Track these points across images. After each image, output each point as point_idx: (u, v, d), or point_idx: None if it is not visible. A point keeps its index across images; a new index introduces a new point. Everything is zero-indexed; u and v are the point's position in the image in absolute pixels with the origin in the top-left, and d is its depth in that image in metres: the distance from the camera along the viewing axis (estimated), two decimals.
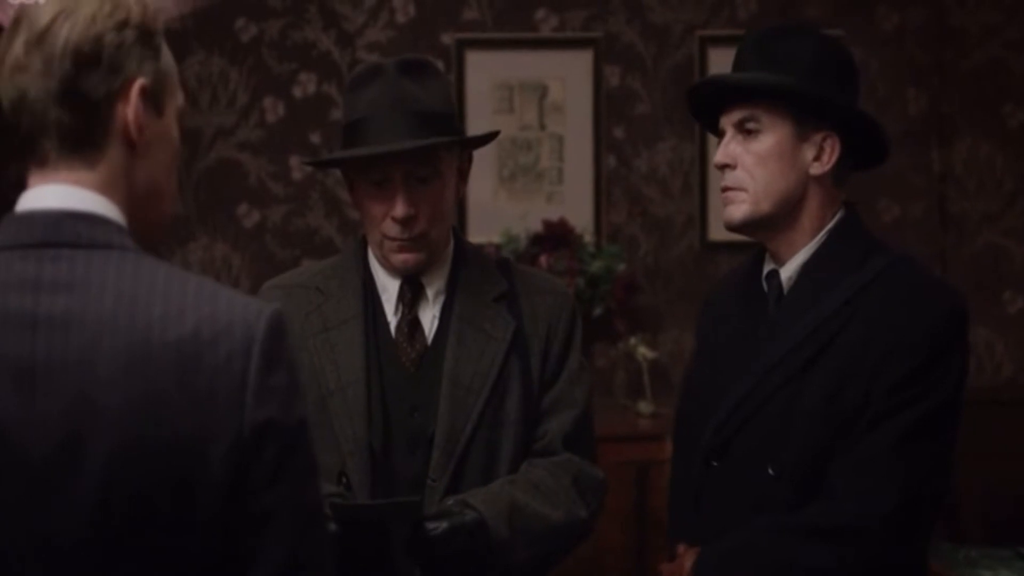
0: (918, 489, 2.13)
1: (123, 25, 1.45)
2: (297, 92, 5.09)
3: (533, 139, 5.09)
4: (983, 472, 4.75)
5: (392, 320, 2.33)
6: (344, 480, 2.23)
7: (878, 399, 2.13)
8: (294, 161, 5.06)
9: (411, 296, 2.33)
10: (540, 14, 5.12)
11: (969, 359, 2.25)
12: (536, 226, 4.96)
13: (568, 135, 5.11)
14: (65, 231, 1.41)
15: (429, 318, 2.33)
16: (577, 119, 5.11)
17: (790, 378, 2.19)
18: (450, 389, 2.27)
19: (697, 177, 5.15)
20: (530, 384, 2.34)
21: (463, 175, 2.38)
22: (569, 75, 5.11)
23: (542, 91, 5.10)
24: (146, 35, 1.47)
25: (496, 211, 5.05)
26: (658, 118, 5.16)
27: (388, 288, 2.34)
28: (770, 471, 2.17)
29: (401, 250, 2.28)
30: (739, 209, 2.27)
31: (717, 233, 5.15)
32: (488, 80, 5.07)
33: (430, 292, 2.34)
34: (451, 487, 2.24)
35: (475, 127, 4.52)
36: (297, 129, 5.07)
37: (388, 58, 2.36)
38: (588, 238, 5.02)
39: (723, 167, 2.26)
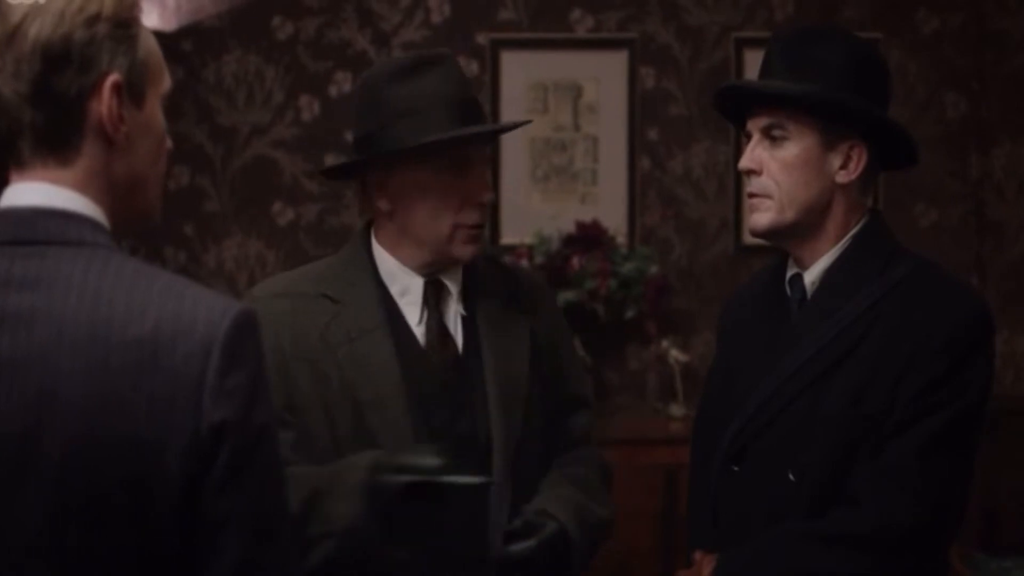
0: (941, 497, 2.10)
1: (94, 20, 1.43)
2: (332, 91, 5.09)
3: (567, 140, 5.08)
4: (1019, 481, 4.71)
5: (416, 323, 2.26)
6: None
7: (901, 406, 2.11)
8: (329, 159, 5.06)
9: (435, 298, 2.28)
10: (575, 14, 5.11)
11: (994, 365, 2.22)
12: (569, 227, 4.94)
13: (602, 136, 5.10)
14: (37, 229, 1.41)
15: (453, 319, 2.29)
16: (611, 120, 5.10)
17: (811, 383, 2.16)
18: (497, 393, 2.24)
19: (732, 180, 5.12)
20: (546, 381, 2.34)
21: None
22: (604, 76, 5.09)
23: (577, 92, 5.09)
24: (120, 27, 1.45)
25: (529, 212, 5.04)
26: (693, 120, 5.14)
27: (411, 290, 2.27)
28: (790, 476, 2.15)
29: (473, 240, 2.23)
30: (764, 216, 2.23)
31: (751, 237, 5.09)
32: (523, 80, 5.07)
33: (453, 291, 2.29)
34: (512, 490, 2.23)
35: None
36: (332, 128, 5.08)
37: (412, 52, 2.33)
38: (621, 240, 5.01)
39: (748, 172, 2.24)
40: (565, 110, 5.04)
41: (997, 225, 5.19)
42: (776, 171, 2.20)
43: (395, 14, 5.09)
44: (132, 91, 1.46)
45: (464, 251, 2.23)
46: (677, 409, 4.87)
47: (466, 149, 2.21)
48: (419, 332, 2.26)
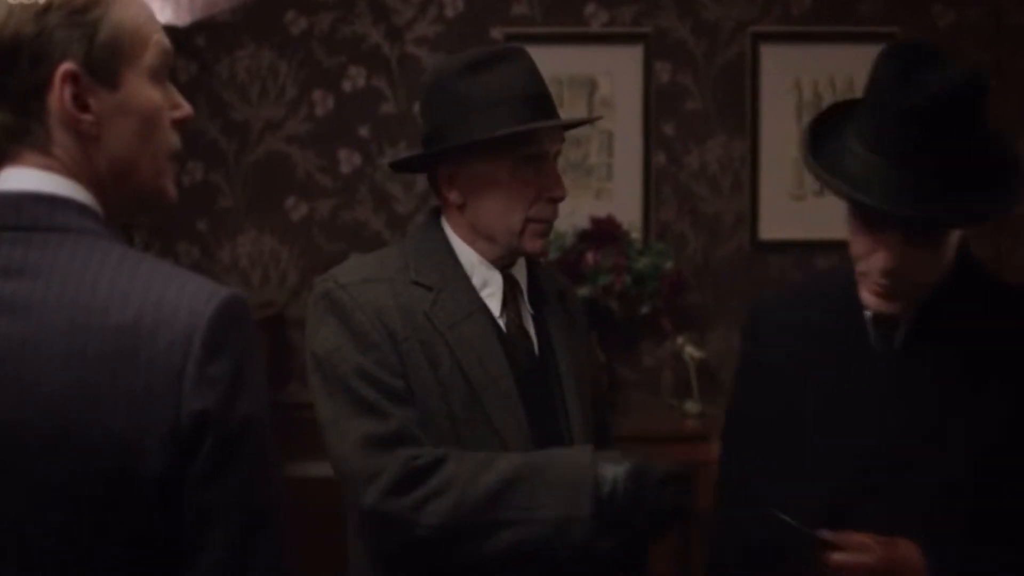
0: None
1: (44, 12, 1.40)
2: (346, 86, 5.08)
3: (582, 135, 5.05)
4: None
5: (498, 316, 2.25)
6: None
7: None
8: (342, 154, 5.05)
9: (512, 292, 2.28)
10: (590, 9, 5.09)
11: None
12: (583, 222, 4.92)
13: (617, 131, 5.07)
14: (24, 215, 1.39)
15: (524, 314, 2.29)
16: (627, 115, 5.07)
17: (931, 438, 1.97)
18: (574, 391, 2.26)
19: (748, 175, 5.09)
20: (588, 379, 2.36)
21: None
22: (619, 71, 5.07)
23: (591, 86, 5.06)
24: (75, 14, 1.41)
25: None
26: (709, 115, 5.11)
27: (491, 282, 2.25)
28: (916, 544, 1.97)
29: (543, 235, 2.23)
30: (891, 305, 1.99)
31: (767, 232, 5.10)
32: None
33: (523, 287, 2.30)
34: None
35: None
36: (346, 122, 5.07)
37: (485, 47, 2.30)
38: (636, 235, 4.98)
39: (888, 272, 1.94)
40: (580, 105, 5.01)
41: (1016, 221, 5.15)
42: (921, 271, 1.96)
43: (409, 8, 5.07)
44: (100, 74, 1.42)
45: (534, 245, 2.22)
46: (692, 406, 4.85)
47: (539, 143, 2.19)
48: (501, 324, 2.25)
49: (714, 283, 5.14)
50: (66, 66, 1.40)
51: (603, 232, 4.90)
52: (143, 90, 1.45)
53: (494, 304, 2.25)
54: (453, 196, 2.23)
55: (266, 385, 1.42)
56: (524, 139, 2.17)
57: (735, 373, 2.28)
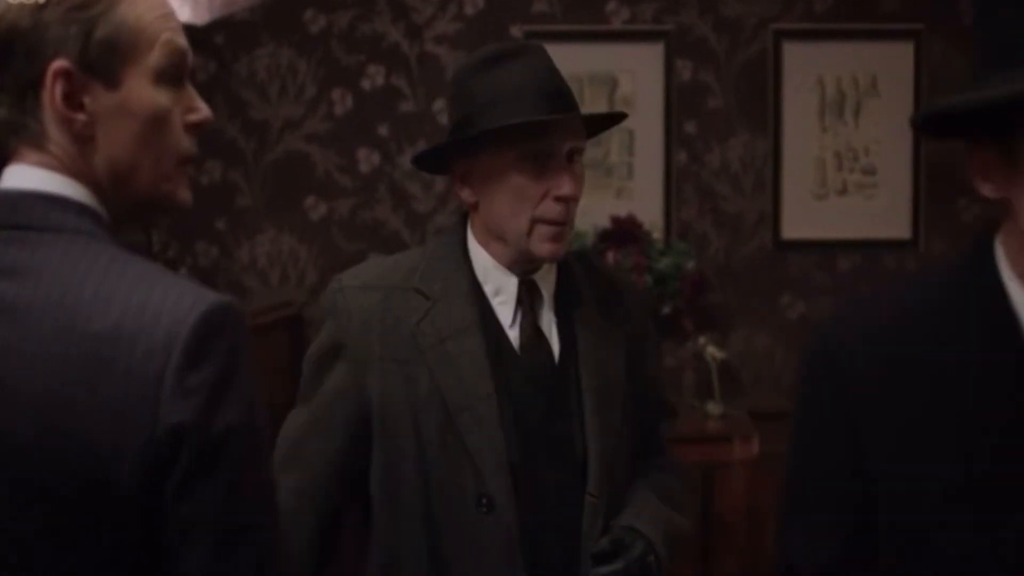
0: None
1: (41, 7, 1.36)
2: (366, 84, 5.06)
3: (602, 133, 5.00)
4: None
5: (509, 325, 2.18)
6: (484, 500, 2.10)
7: None
8: (362, 153, 5.03)
9: (529, 299, 2.19)
10: (611, 6, 5.05)
11: None
12: (604, 222, 4.89)
13: (638, 129, 5.03)
14: (19, 214, 1.36)
15: (547, 322, 2.20)
16: (648, 113, 5.03)
17: None
18: (594, 399, 2.16)
19: (770, 174, 5.05)
20: (635, 389, 2.25)
21: None
22: (640, 68, 5.03)
23: (612, 84, 5.03)
24: (74, 9, 1.37)
25: None
26: (731, 113, 5.07)
27: (505, 289, 2.17)
28: None
29: (554, 238, 2.11)
30: None
31: (790, 231, 5.06)
32: None
33: (546, 293, 2.20)
34: (607, 501, 2.18)
35: None
36: (365, 121, 5.05)
37: (503, 43, 2.26)
38: (657, 234, 4.95)
39: None
40: (600, 103, 4.98)
41: None
42: None
43: (428, 6, 5.05)
44: (97, 72, 1.38)
45: (543, 249, 2.12)
46: (714, 407, 4.81)
47: (547, 138, 2.10)
48: (512, 335, 2.17)
49: (736, 283, 5.10)
50: (58, 63, 1.36)
51: (624, 231, 4.87)
52: (145, 91, 1.40)
53: (506, 313, 2.17)
54: (466, 194, 2.17)
55: (257, 394, 1.36)
56: (529, 134, 2.09)
57: (799, 429, 1.53)
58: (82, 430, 1.27)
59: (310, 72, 5.06)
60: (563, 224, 2.12)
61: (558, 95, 2.13)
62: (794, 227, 5.07)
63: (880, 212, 5.00)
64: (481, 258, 2.19)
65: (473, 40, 4.95)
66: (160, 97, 1.41)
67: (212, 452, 1.29)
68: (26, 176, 1.38)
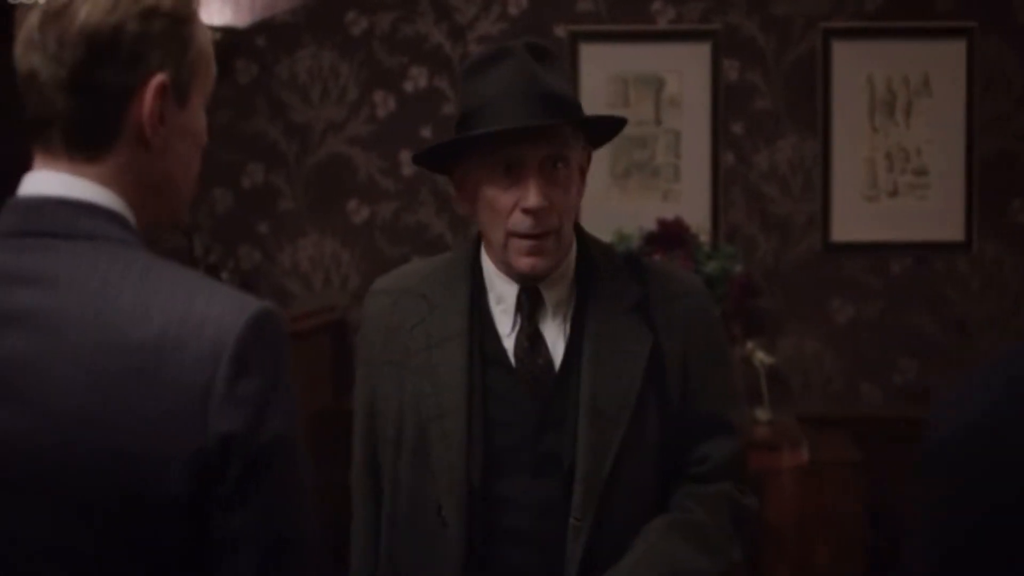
0: None
1: (150, 14, 1.34)
2: (408, 86, 5.03)
3: (648, 135, 4.96)
4: None
5: (507, 335, 2.10)
6: (443, 514, 2.05)
7: None
8: (404, 156, 5.00)
9: (529, 308, 2.10)
10: (656, 5, 5.00)
11: None
12: (650, 225, 4.82)
13: (685, 130, 4.98)
14: (46, 220, 1.32)
15: (554, 332, 2.10)
16: (694, 114, 4.97)
17: None
18: (590, 418, 2.04)
19: (819, 176, 4.99)
20: (668, 405, 2.10)
21: (582, 173, 2.15)
22: (686, 68, 4.97)
23: (658, 85, 4.97)
24: (176, 25, 1.36)
25: (608, 209, 4.91)
26: (779, 114, 5.01)
27: (506, 298, 2.11)
28: None
29: (530, 252, 2.03)
30: None
31: (839, 234, 4.99)
32: (602, 74, 4.96)
33: (550, 303, 2.11)
34: (595, 525, 2.03)
35: None
36: (408, 124, 5.02)
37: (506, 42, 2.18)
38: (704, 237, 4.88)
39: None
40: (646, 104, 4.92)
41: None
42: None
43: (471, 7, 5.01)
44: (177, 92, 1.37)
45: (521, 263, 2.04)
46: (762, 413, 4.73)
47: (517, 146, 2.02)
48: (509, 344, 2.10)
49: (785, 286, 5.03)
50: (162, 77, 1.35)
51: (670, 234, 4.81)
52: (199, 114, 1.42)
53: (505, 321, 2.11)
54: (459, 206, 2.17)
55: (297, 404, 1.35)
56: (499, 143, 2.02)
57: (938, 531, 1.20)
58: (124, 444, 1.25)
59: (352, 74, 5.04)
60: (536, 237, 2.03)
61: (536, 100, 2.02)
62: (844, 229, 5.00)
63: (932, 214, 4.92)
64: (487, 265, 2.14)
65: (517, 41, 4.89)
66: (203, 121, 1.44)
67: (261, 463, 1.28)
68: (53, 182, 1.35)
